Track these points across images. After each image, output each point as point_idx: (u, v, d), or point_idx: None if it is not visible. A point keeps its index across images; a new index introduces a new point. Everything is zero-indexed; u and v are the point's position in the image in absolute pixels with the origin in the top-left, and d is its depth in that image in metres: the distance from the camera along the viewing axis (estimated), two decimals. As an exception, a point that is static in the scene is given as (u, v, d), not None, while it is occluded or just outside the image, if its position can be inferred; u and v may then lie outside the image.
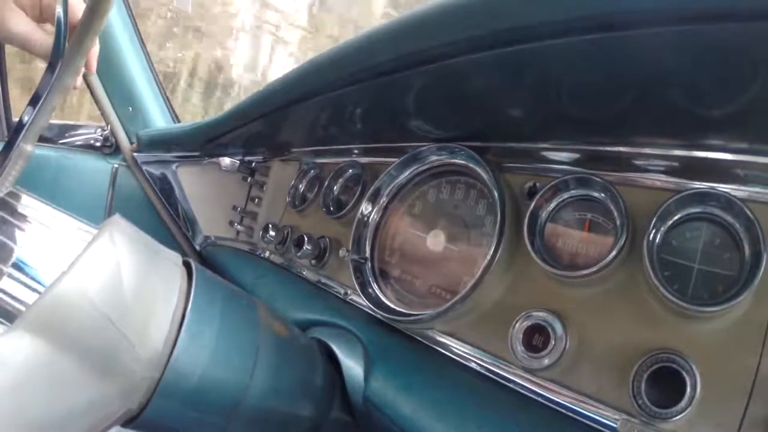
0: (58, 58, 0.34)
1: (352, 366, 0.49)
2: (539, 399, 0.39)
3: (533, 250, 0.42)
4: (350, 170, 0.69)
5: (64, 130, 1.18)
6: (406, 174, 0.58)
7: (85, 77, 1.02)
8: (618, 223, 0.39)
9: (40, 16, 0.42)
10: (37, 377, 0.27)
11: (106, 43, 1.01)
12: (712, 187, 0.35)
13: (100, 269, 0.30)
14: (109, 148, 1.14)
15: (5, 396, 0.26)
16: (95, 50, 0.44)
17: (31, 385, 0.27)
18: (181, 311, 0.34)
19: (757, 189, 0.35)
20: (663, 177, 0.39)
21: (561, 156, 0.46)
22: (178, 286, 0.35)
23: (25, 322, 0.27)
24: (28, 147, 0.32)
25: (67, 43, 0.35)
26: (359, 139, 0.68)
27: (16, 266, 0.30)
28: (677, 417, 0.32)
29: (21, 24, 0.40)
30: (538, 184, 0.46)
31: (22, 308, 0.29)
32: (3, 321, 0.28)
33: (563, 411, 0.38)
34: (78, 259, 0.29)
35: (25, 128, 0.32)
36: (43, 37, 0.41)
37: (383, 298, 0.54)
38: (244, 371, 0.38)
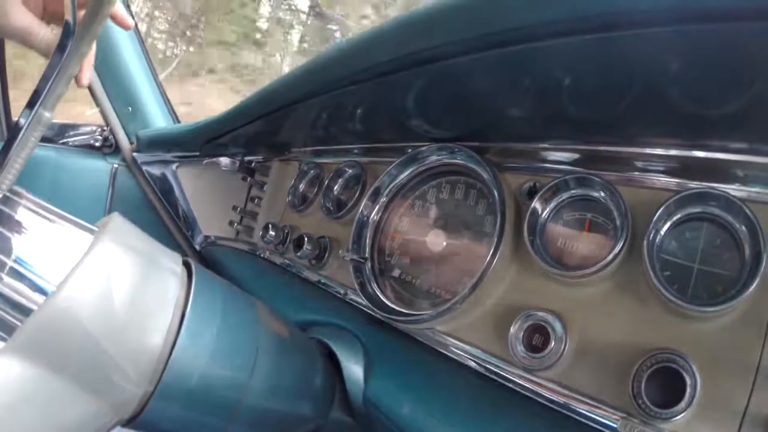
0: (69, 33, 0.33)
1: (352, 366, 0.49)
2: (539, 399, 0.39)
3: (533, 250, 0.42)
4: (350, 170, 0.69)
5: (64, 129, 1.18)
6: (406, 174, 0.58)
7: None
8: (618, 223, 0.39)
9: (43, 12, 0.42)
10: (27, 399, 0.27)
11: (106, 44, 1.01)
12: (712, 187, 0.35)
13: (100, 271, 0.30)
14: (108, 148, 1.14)
15: None
16: (90, 60, 0.43)
17: (21, 407, 0.27)
18: (181, 311, 0.34)
19: (757, 189, 0.35)
20: (663, 177, 0.39)
21: (561, 156, 0.46)
22: (178, 286, 0.35)
23: (16, 344, 0.27)
24: (46, 113, 0.32)
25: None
26: (359, 139, 0.68)
27: (16, 267, 0.30)
28: (677, 417, 0.32)
29: (23, 18, 0.40)
30: (538, 184, 0.46)
31: (19, 316, 0.29)
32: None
33: (563, 411, 0.38)
34: (75, 269, 0.29)
35: (43, 94, 0.32)
36: (44, 31, 0.40)
37: (383, 298, 0.54)
38: (244, 371, 0.38)
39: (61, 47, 0.33)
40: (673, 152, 0.38)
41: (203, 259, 1.02)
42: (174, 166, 1.07)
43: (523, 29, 0.30)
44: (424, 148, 0.55)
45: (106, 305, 0.30)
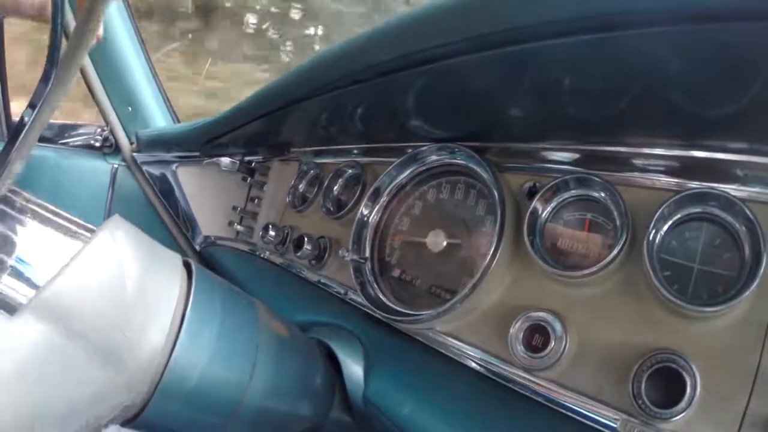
0: (54, 62, 0.34)
1: (352, 366, 0.49)
2: (539, 399, 0.39)
3: (533, 250, 0.42)
4: (350, 170, 0.69)
5: (64, 130, 1.18)
6: (406, 174, 0.58)
7: (84, 77, 1.01)
8: (618, 223, 0.39)
9: None
10: (40, 364, 0.27)
11: (105, 43, 1.01)
12: (712, 187, 0.35)
13: (101, 269, 0.30)
14: (108, 148, 1.13)
15: (8, 381, 0.26)
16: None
17: (34, 371, 0.27)
18: (181, 311, 0.34)
19: (757, 189, 0.35)
20: (663, 177, 0.39)
21: (561, 156, 0.46)
22: (178, 287, 0.35)
23: (30, 309, 0.27)
24: (24, 150, 0.32)
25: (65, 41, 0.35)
26: (359, 139, 0.68)
27: (16, 267, 0.30)
28: (677, 417, 0.32)
29: None
30: (538, 184, 0.46)
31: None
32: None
33: (563, 411, 0.38)
34: (80, 252, 0.29)
35: (24, 130, 0.32)
36: None
37: (383, 298, 0.54)
38: (244, 371, 0.38)
39: (46, 77, 0.33)
40: (673, 152, 0.38)
41: (203, 259, 1.02)
42: (174, 166, 1.07)
43: (522, 29, 0.30)
44: (424, 148, 0.55)
45: (106, 306, 0.30)
